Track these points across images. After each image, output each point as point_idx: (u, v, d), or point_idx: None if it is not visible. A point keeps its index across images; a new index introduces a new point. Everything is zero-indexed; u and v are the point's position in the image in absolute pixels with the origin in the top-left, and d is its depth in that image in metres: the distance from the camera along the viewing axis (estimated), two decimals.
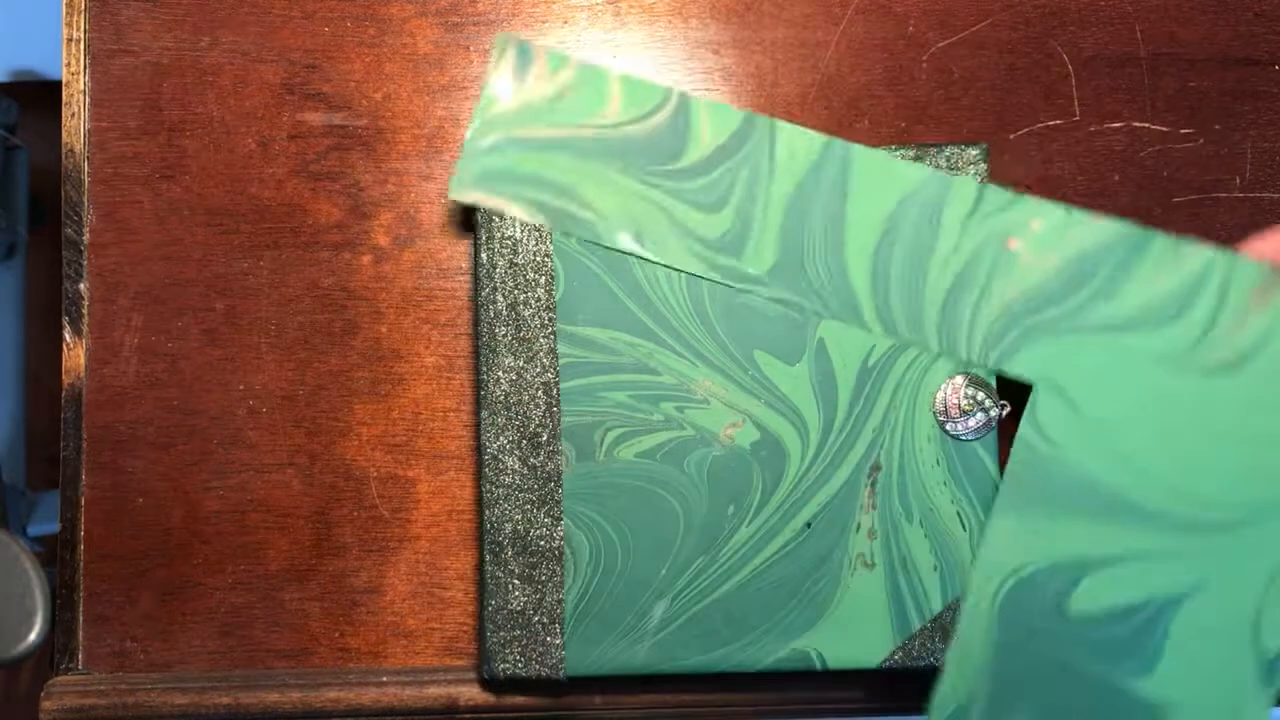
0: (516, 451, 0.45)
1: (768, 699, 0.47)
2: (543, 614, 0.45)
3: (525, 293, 0.46)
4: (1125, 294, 0.41)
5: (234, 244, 0.48)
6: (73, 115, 0.49)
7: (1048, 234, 0.42)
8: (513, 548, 0.45)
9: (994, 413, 0.45)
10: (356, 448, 0.48)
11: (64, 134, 0.49)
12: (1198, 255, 0.40)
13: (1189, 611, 0.41)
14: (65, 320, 0.48)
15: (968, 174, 0.46)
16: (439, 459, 0.48)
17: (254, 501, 0.48)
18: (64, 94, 0.49)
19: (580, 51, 0.49)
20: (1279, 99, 0.50)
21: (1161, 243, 0.40)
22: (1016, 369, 0.42)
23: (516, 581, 0.45)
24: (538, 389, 0.46)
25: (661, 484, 0.45)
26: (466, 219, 0.49)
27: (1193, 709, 0.42)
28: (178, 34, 0.49)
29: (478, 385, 0.46)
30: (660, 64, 0.49)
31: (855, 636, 0.45)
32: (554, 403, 0.45)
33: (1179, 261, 0.40)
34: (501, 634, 0.45)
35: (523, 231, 0.46)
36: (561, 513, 0.45)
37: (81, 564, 0.48)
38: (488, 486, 0.45)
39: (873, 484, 0.45)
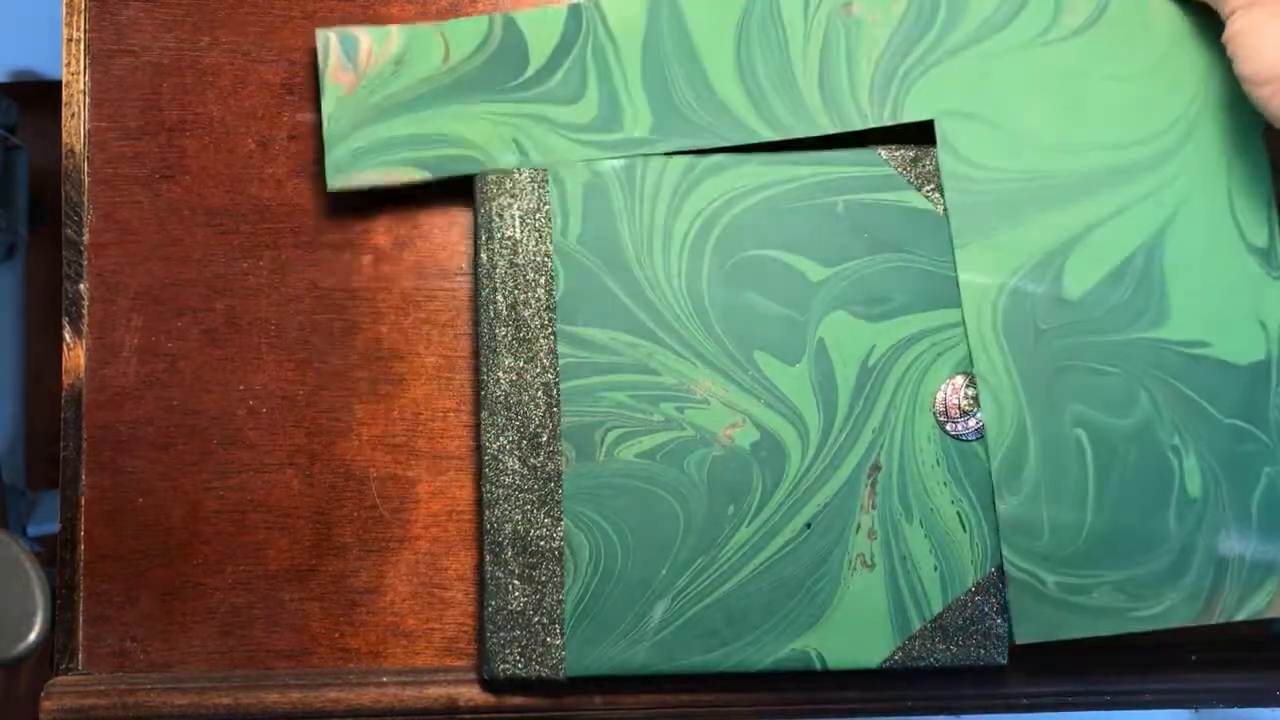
0: (516, 452, 0.45)
1: (768, 699, 0.47)
2: (543, 614, 0.45)
3: (525, 293, 0.46)
4: (968, 13, 0.45)
5: (234, 244, 0.48)
6: (73, 115, 0.49)
7: None
8: (513, 548, 0.45)
9: None
10: (356, 448, 0.48)
11: (64, 134, 0.49)
12: None
13: (1172, 243, 0.44)
14: (65, 320, 0.48)
15: None
16: (439, 459, 0.48)
17: (254, 501, 0.48)
18: (64, 94, 0.49)
19: None
20: None
21: None
22: (911, 113, 0.45)
23: (516, 582, 0.45)
24: (538, 389, 0.46)
25: (661, 484, 0.45)
26: (466, 219, 0.49)
27: (1217, 327, 0.44)
28: (178, 34, 0.49)
29: (478, 385, 0.46)
30: None
31: (855, 636, 0.45)
32: (554, 403, 0.45)
33: None
34: (501, 634, 0.45)
35: (523, 231, 0.46)
36: (561, 513, 0.45)
37: (81, 564, 0.48)
38: (488, 487, 0.45)
39: (873, 484, 0.45)
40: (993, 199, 0.45)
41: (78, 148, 0.49)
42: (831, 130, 0.46)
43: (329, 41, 0.46)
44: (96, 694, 0.46)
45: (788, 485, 0.45)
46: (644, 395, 0.45)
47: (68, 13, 0.49)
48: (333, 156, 0.46)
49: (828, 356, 0.45)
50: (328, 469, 0.48)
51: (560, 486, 0.45)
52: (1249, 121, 0.44)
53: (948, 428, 0.45)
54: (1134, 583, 0.44)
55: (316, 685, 0.46)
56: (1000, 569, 0.45)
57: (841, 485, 0.45)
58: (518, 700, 0.47)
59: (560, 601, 0.45)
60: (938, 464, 0.45)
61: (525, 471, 0.45)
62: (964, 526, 0.45)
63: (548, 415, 0.45)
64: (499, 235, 0.46)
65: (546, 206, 0.46)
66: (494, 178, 0.46)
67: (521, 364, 0.46)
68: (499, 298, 0.46)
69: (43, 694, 0.47)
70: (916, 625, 0.45)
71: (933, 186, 0.46)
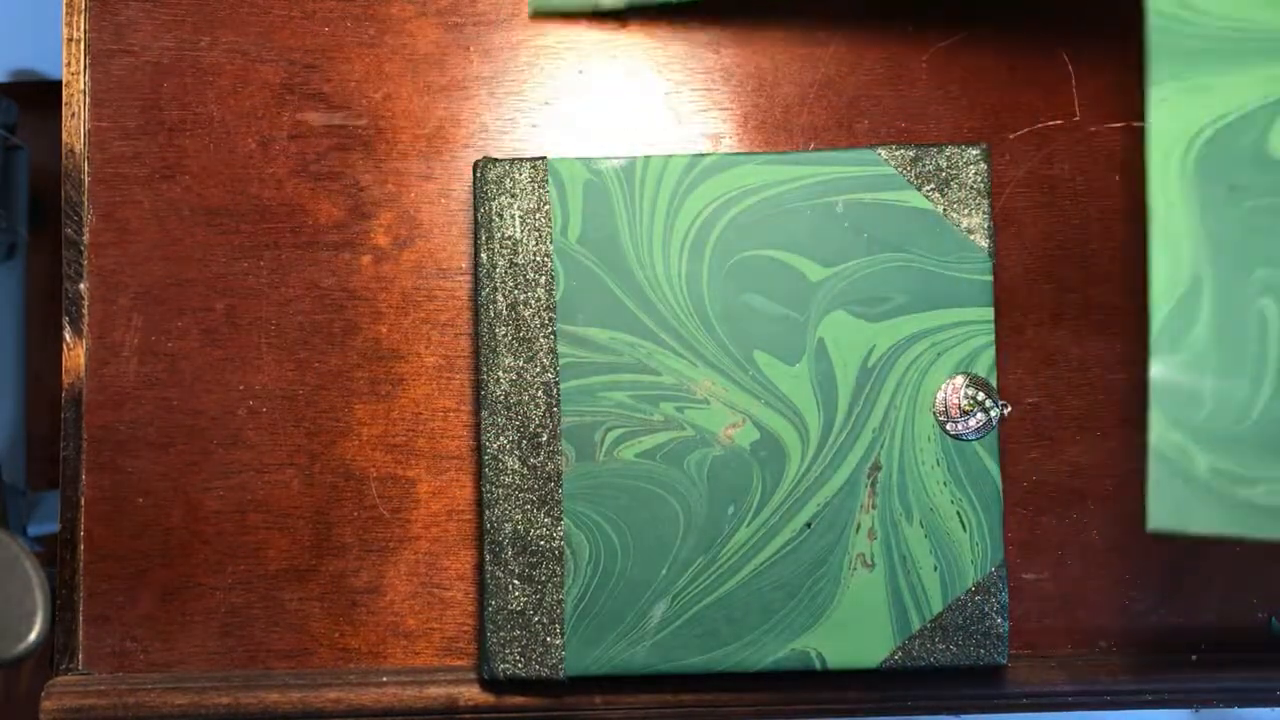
0: (516, 451, 0.45)
1: (768, 699, 0.47)
2: (543, 614, 0.45)
3: (525, 293, 0.46)
4: None
5: (234, 244, 0.48)
6: (73, 115, 0.49)
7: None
8: (513, 548, 0.45)
9: (994, 413, 0.45)
10: (356, 448, 0.48)
11: (64, 134, 0.48)
12: None
13: None
14: (65, 320, 0.48)
15: (967, 174, 0.46)
16: (439, 459, 0.48)
17: (254, 501, 0.48)
18: (64, 94, 0.49)
19: (581, 51, 0.49)
20: None
21: None
22: None
23: (516, 581, 0.45)
24: (538, 389, 0.46)
25: (661, 484, 0.45)
26: (466, 219, 0.49)
27: None
28: (178, 34, 0.49)
29: (478, 385, 0.46)
30: (660, 64, 0.49)
31: (855, 636, 0.45)
32: (554, 403, 0.45)
33: None
34: (501, 634, 0.45)
35: (523, 231, 0.46)
36: (561, 513, 0.45)
37: (81, 564, 0.48)
38: (488, 486, 0.45)
39: (873, 484, 0.45)
40: (1201, 43, 0.40)
41: (78, 148, 0.49)
42: None
43: None
44: (96, 694, 0.46)
45: (788, 485, 0.45)
46: (644, 395, 0.45)
47: (68, 13, 0.49)
48: None
49: (828, 356, 0.45)
50: (328, 469, 0.48)
51: (560, 486, 0.45)
52: None
53: (948, 428, 0.45)
54: None
55: (316, 685, 0.46)
56: (1000, 568, 0.45)
57: (841, 485, 0.45)
58: (518, 700, 0.47)
59: (560, 601, 0.45)
60: (938, 464, 0.45)
61: (525, 471, 0.45)
62: (964, 526, 0.45)
63: (548, 415, 0.45)
64: (499, 235, 0.46)
65: (546, 206, 0.46)
66: (494, 177, 0.46)
67: (521, 364, 0.46)
68: (499, 298, 0.46)
69: (43, 694, 0.47)
70: (916, 625, 0.45)
71: (933, 186, 0.46)
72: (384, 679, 0.47)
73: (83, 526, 0.48)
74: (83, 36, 0.49)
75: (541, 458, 0.45)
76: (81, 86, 0.49)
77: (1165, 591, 0.48)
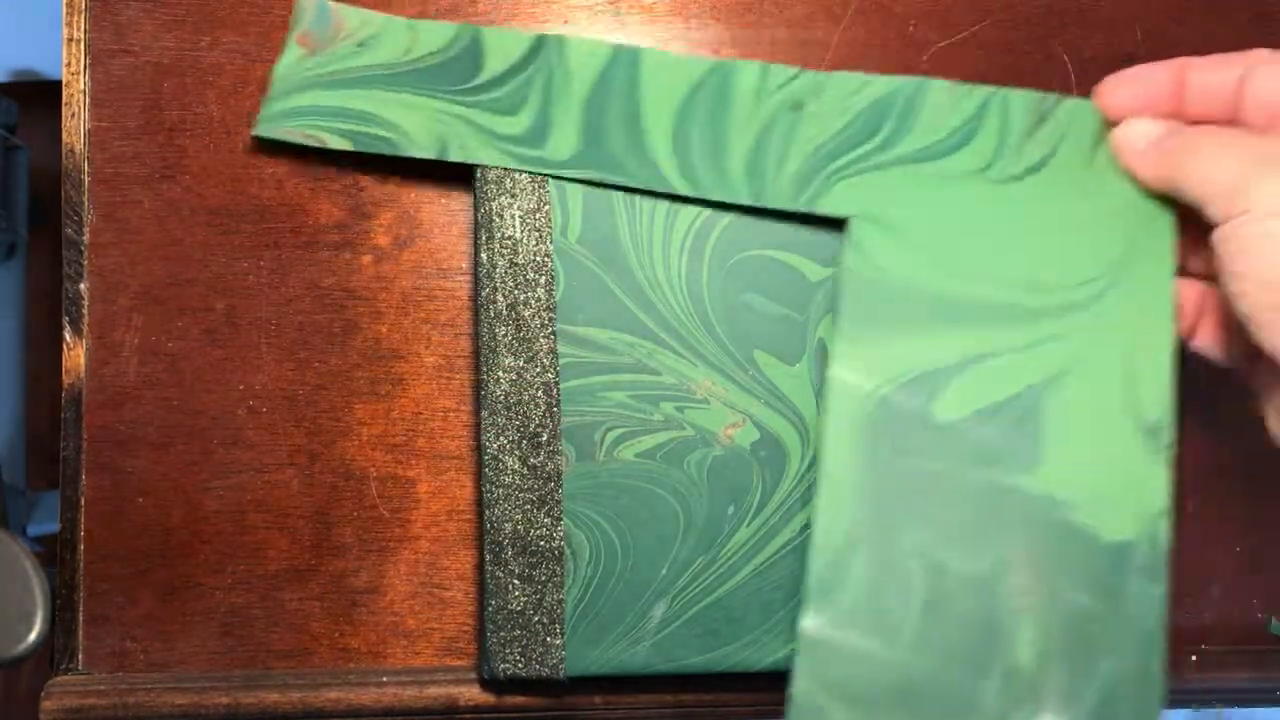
0: (516, 451, 0.45)
1: (768, 699, 0.47)
2: (543, 614, 0.45)
3: (525, 293, 0.46)
4: (915, 132, 0.44)
5: (234, 244, 0.48)
6: (73, 115, 0.49)
7: (836, 95, 0.45)
8: (513, 548, 0.45)
9: None
10: (356, 448, 0.48)
11: (64, 134, 0.49)
12: (977, 93, 0.44)
13: (1058, 396, 0.42)
14: (65, 320, 0.48)
15: None
16: (439, 459, 0.48)
17: (254, 501, 0.48)
18: (64, 94, 0.49)
19: None
20: None
21: (940, 85, 0.44)
22: (828, 207, 0.44)
23: (516, 581, 0.45)
24: (538, 389, 0.46)
25: (661, 484, 0.45)
26: (466, 219, 0.49)
27: (1087, 493, 0.41)
28: (178, 34, 0.49)
29: (478, 385, 0.46)
30: None
31: None
32: (554, 403, 0.45)
33: (959, 100, 0.44)
34: (501, 634, 0.45)
35: (523, 231, 0.46)
36: (561, 513, 0.45)
37: (81, 564, 0.48)
38: (488, 486, 0.45)
39: None
40: (888, 306, 0.42)
41: (78, 148, 0.49)
42: (747, 201, 0.44)
43: (305, 7, 0.47)
44: (96, 694, 0.46)
45: (788, 485, 0.45)
46: (644, 395, 0.45)
47: (68, 13, 0.49)
48: (269, 109, 0.47)
49: (828, 356, 0.45)
50: (328, 469, 0.48)
51: (560, 486, 0.45)
52: (1165, 303, 0.42)
53: None
54: None
55: (316, 685, 0.47)
56: None
57: None
58: (518, 700, 0.47)
59: (560, 601, 0.45)
60: None
61: (525, 471, 0.45)
62: None
63: (548, 415, 0.46)
64: (499, 235, 0.46)
65: (546, 206, 0.46)
66: (494, 178, 0.46)
67: (521, 364, 0.46)
68: (499, 298, 0.46)
69: (43, 694, 0.47)
70: None
71: None
72: (384, 679, 0.47)
73: (83, 526, 0.48)
74: (83, 36, 0.49)
75: (541, 458, 0.45)
76: (81, 86, 0.49)
77: None
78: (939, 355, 0.42)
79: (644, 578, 0.45)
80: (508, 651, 0.45)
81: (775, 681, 0.47)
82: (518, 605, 0.45)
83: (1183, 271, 0.42)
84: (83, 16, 0.49)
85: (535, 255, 0.46)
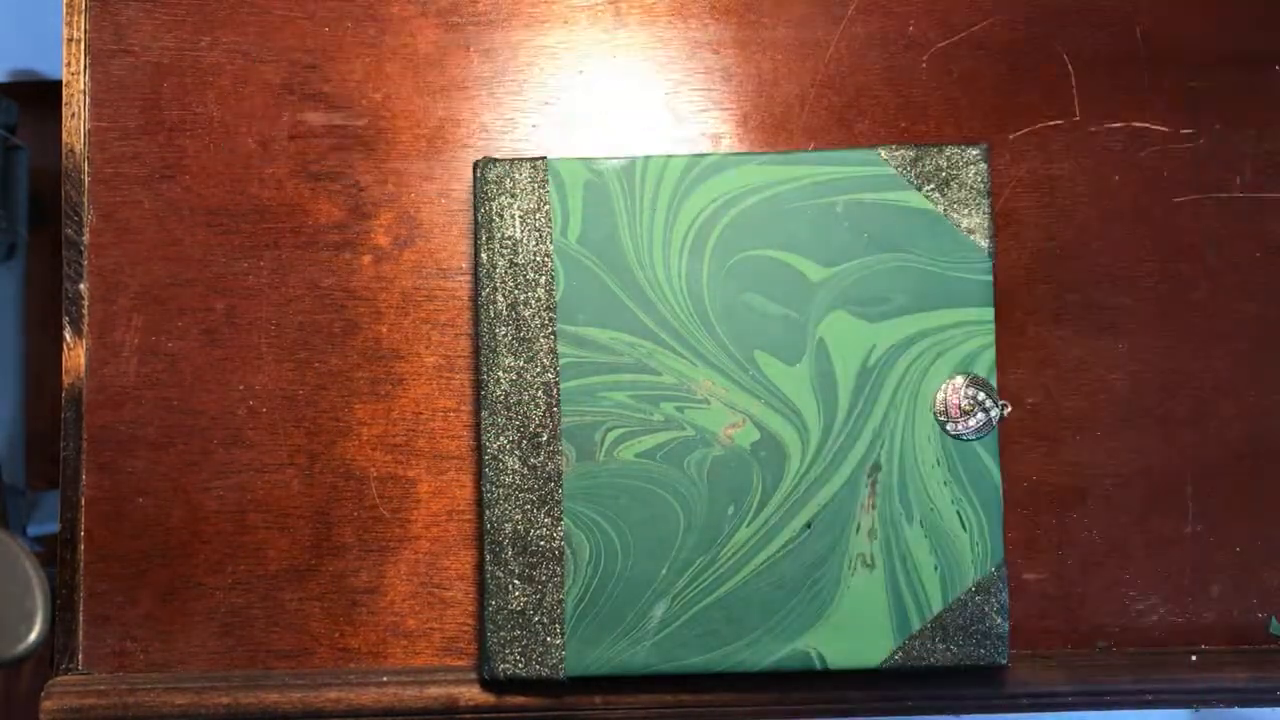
0: (517, 451, 0.45)
1: (768, 699, 0.47)
2: (543, 614, 0.45)
3: (525, 293, 0.46)
4: None
5: (234, 244, 0.48)
6: (73, 115, 0.49)
7: None
8: (513, 548, 0.45)
9: (994, 413, 0.45)
10: (356, 448, 0.48)
11: (64, 134, 0.48)
12: None
13: None
14: (65, 320, 0.48)
15: (967, 174, 0.46)
16: (439, 459, 0.48)
17: (254, 501, 0.48)
18: (64, 94, 0.49)
19: (581, 51, 0.49)
20: (1279, 99, 0.50)
21: None
22: None
23: (516, 581, 0.45)
24: (538, 389, 0.45)
25: (661, 484, 0.45)
26: (466, 219, 0.49)
27: None
28: (178, 34, 0.49)
29: (478, 385, 0.46)
30: (660, 64, 0.49)
31: (855, 636, 0.45)
32: (554, 403, 0.45)
33: None
34: (501, 634, 0.45)
35: (523, 231, 0.46)
36: (561, 513, 0.45)
37: (81, 564, 0.48)
38: (488, 486, 0.45)
39: (873, 484, 0.45)
40: None
41: (78, 148, 0.48)
42: None
43: None
44: (96, 694, 0.46)
45: (788, 485, 0.45)
46: (644, 395, 0.45)
47: (68, 13, 0.49)
48: None
49: (828, 356, 0.45)
50: (328, 469, 0.48)
51: (560, 486, 0.45)
52: None
53: (948, 428, 0.45)
54: None
55: (316, 685, 0.46)
56: (1000, 568, 0.45)
57: (842, 485, 0.45)
58: (518, 700, 0.47)
59: (560, 601, 0.45)
60: (938, 464, 0.45)
61: (525, 471, 0.45)
62: (964, 526, 0.45)
63: (548, 415, 0.45)
64: (499, 235, 0.46)
65: (546, 206, 0.46)
66: (494, 177, 0.46)
67: (521, 364, 0.46)
68: (499, 298, 0.46)
69: (43, 694, 0.47)
70: (916, 625, 0.45)
71: (933, 186, 0.46)
72: (384, 679, 0.47)
73: (83, 526, 0.48)
74: (83, 36, 0.49)
75: (541, 458, 0.45)
76: (81, 86, 0.49)
77: (1165, 591, 0.48)
78: None
79: (644, 578, 0.45)
80: (508, 651, 0.45)
81: (775, 681, 0.47)
82: (518, 605, 0.45)
83: None
84: (83, 16, 0.49)
85: (535, 255, 0.46)
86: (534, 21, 0.49)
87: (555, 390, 0.45)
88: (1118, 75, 0.50)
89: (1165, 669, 0.47)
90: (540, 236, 0.46)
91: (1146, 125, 0.50)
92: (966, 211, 0.46)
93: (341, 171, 0.49)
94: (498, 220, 0.46)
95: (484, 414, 0.46)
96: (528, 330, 0.46)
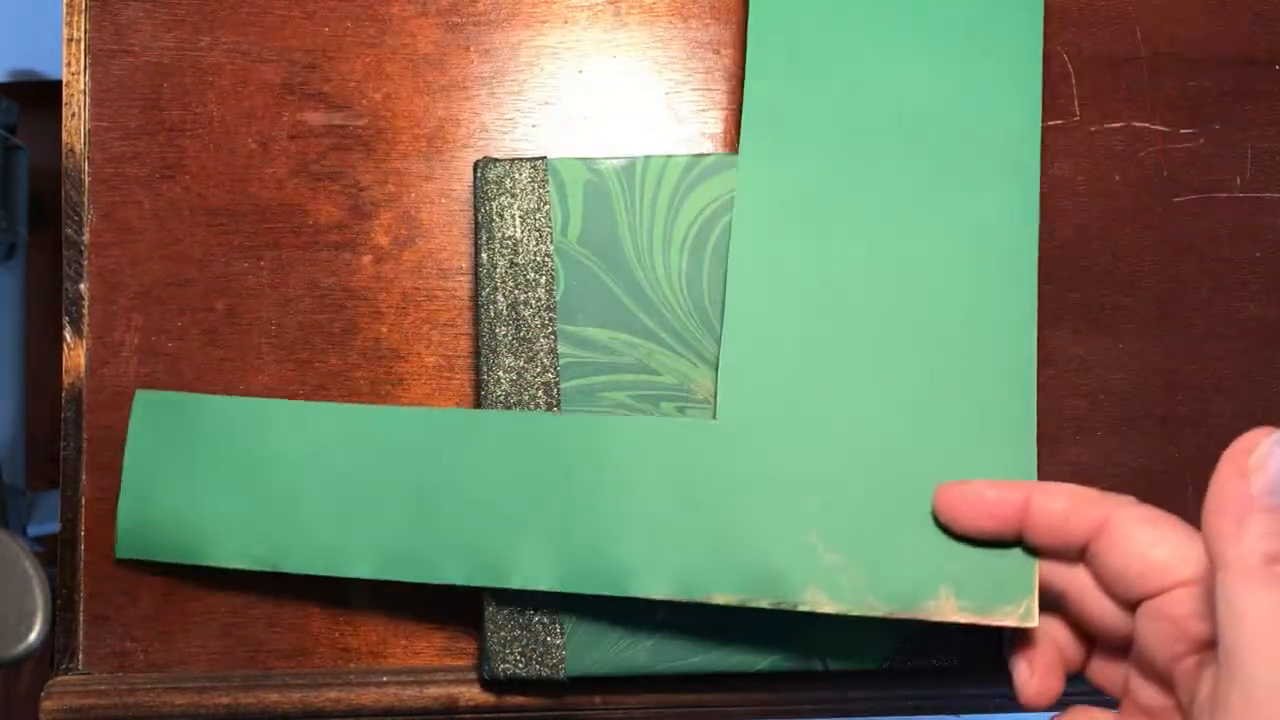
0: None
1: (768, 699, 0.47)
2: (543, 614, 0.45)
3: (525, 293, 0.46)
4: None
5: (234, 244, 0.48)
6: (73, 115, 0.49)
7: None
8: None
9: None
10: None
11: (64, 134, 0.49)
12: None
13: None
14: (65, 320, 0.48)
15: None
16: None
17: None
18: (64, 94, 0.49)
19: (581, 51, 0.49)
20: (1279, 99, 0.50)
21: None
22: None
23: None
24: (538, 389, 0.45)
25: None
26: (466, 219, 0.49)
27: None
28: (178, 34, 0.49)
29: (478, 385, 0.46)
30: (660, 64, 0.49)
31: (855, 636, 0.45)
32: (554, 403, 0.45)
33: None
34: (501, 634, 0.45)
35: (523, 231, 0.46)
36: None
37: (81, 564, 0.48)
38: None
39: None
40: None
41: (78, 148, 0.49)
42: None
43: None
44: (96, 694, 0.46)
45: None
46: (644, 395, 0.45)
47: (68, 13, 0.49)
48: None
49: None
50: None
51: None
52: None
53: None
54: None
55: (316, 685, 0.46)
56: None
57: None
58: (518, 700, 0.47)
59: (561, 601, 0.45)
60: None
61: None
62: None
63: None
64: (499, 235, 0.46)
65: (546, 206, 0.46)
66: (494, 177, 0.46)
67: (521, 364, 0.46)
68: (499, 298, 0.46)
69: (43, 694, 0.47)
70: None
71: None
72: (384, 679, 0.47)
73: (83, 526, 0.48)
74: (83, 36, 0.49)
75: None
76: (81, 86, 0.49)
77: None
78: None
79: None
80: (508, 651, 0.45)
81: (775, 681, 0.47)
82: (518, 605, 0.45)
83: None
84: (83, 16, 0.49)
85: (535, 255, 0.46)
86: (534, 21, 0.49)
87: (555, 390, 0.45)
88: (1118, 75, 0.50)
89: None
90: (540, 236, 0.46)
91: (1146, 125, 0.50)
92: None
93: (342, 171, 0.49)
94: (498, 220, 0.46)
95: None
96: (528, 330, 0.46)
